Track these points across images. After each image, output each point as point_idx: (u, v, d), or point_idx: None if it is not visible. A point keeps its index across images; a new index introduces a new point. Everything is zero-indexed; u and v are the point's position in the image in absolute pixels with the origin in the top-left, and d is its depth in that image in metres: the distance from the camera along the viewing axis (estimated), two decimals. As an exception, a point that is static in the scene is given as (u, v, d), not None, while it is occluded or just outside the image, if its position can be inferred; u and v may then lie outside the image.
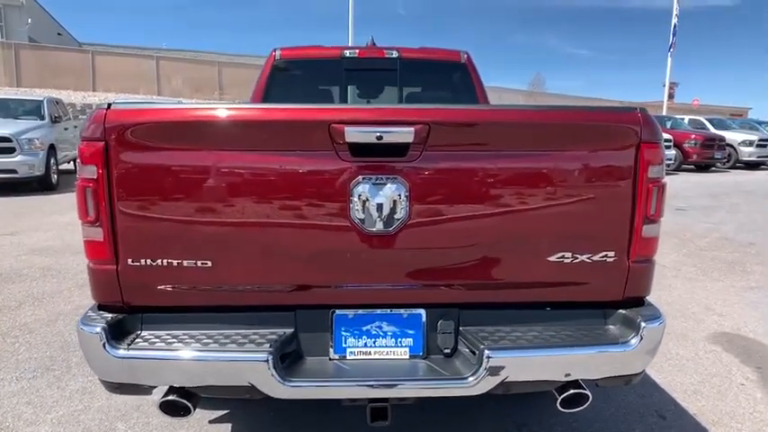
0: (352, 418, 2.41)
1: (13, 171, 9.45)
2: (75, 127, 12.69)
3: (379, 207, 1.57)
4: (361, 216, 1.58)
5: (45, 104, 11.21)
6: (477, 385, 1.60)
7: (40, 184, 9.90)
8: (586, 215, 1.65)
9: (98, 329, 1.60)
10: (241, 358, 1.57)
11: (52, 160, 10.31)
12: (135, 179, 1.58)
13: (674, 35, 21.60)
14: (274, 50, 3.70)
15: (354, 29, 19.33)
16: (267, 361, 1.55)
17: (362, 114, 1.57)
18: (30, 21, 25.47)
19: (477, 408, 2.62)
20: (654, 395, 2.79)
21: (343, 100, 3.76)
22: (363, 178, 1.56)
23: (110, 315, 1.66)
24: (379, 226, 1.58)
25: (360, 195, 1.56)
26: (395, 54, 3.63)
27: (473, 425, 2.50)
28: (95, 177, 1.57)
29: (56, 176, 10.42)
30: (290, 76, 3.67)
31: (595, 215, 1.66)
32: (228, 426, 2.50)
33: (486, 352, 1.59)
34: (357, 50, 3.67)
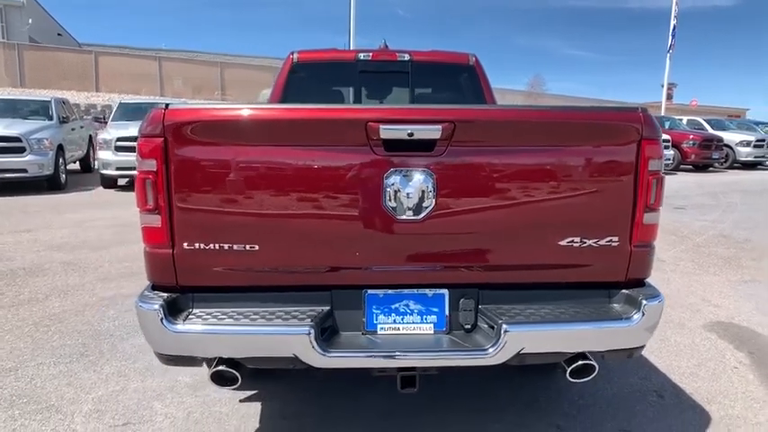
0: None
1: (23, 170, 9.62)
2: (82, 127, 12.88)
3: (409, 196, 1.76)
4: (393, 205, 1.77)
5: (53, 105, 11.39)
6: (495, 356, 1.79)
7: (48, 184, 10.07)
8: (593, 204, 1.85)
9: (156, 306, 1.79)
10: (286, 332, 1.75)
11: (60, 160, 10.48)
12: (190, 171, 1.76)
13: (672, 36, 21.85)
14: (292, 53, 3.89)
15: (356, 30, 19.52)
16: (309, 334, 1.74)
17: (396, 114, 1.76)
18: (30, 21, 25.62)
19: (490, 386, 2.81)
20: (653, 377, 2.98)
21: (358, 101, 3.95)
22: (395, 171, 1.75)
23: (165, 294, 1.85)
24: (409, 214, 1.78)
25: (392, 186, 1.75)
26: (407, 57, 3.83)
27: (487, 401, 2.68)
28: (155, 170, 1.75)
29: (64, 176, 10.59)
30: (306, 78, 3.85)
31: (601, 204, 1.85)
32: (258, 404, 2.68)
33: (504, 326, 1.78)
34: (371, 53, 3.85)
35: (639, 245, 1.90)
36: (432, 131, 1.72)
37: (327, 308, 1.88)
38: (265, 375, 2.80)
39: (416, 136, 1.71)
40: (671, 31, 22.08)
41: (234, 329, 1.77)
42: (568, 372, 1.90)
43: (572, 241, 1.85)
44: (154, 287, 1.92)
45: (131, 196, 8.20)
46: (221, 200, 1.78)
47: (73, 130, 11.98)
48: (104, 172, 10.35)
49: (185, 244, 1.80)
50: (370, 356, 1.82)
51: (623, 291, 1.95)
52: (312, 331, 1.75)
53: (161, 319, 1.77)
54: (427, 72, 3.89)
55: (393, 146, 1.74)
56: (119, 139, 10.25)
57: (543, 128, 1.82)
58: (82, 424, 2.50)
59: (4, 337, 3.44)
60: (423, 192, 1.76)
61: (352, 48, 19.72)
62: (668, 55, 22.35)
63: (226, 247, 1.80)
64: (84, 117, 15.11)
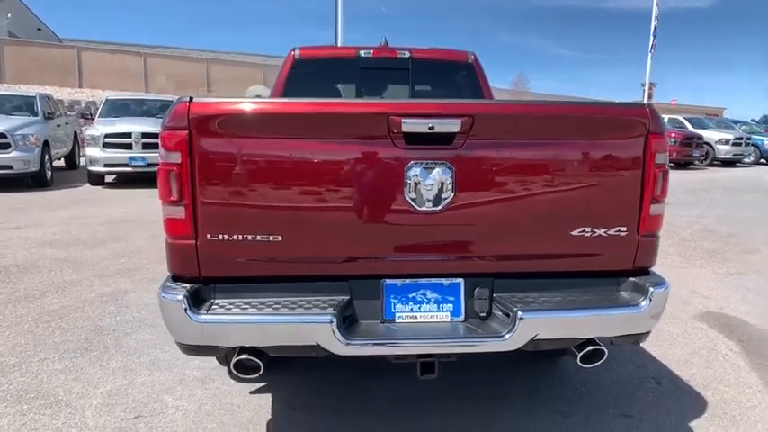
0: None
1: (9, 167, 9.45)
2: (67, 124, 12.68)
3: (429, 188, 1.81)
4: (413, 196, 1.82)
5: (38, 100, 11.20)
6: (511, 342, 1.85)
7: (34, 181, 9.89)
8: (603, 195, 1.93)
9: (180, 297, 1.81)
10: (310, 320, 1.80)
11: (46, 157, 10.32)
12: (214, 163, 1.79)
13: (654, 37, 22.28)
14: (293, 50, 3.91)
15: (344, 26, 19.50)
16: (332, 322, 1.79)
17: (417, 107, 1.81)
18: (9, 15, 25.05)
19: (494, 376, 2.89)
20: (650, 365, 3.09)
21: (359, 97, 3.99)
22: (415, 163, 1.80)
23: (188, 285, 1.87)
24: (428, 205, 1.83)
25: (412, 178, 1.81)
26: (407, 54, 3.88)
27: (494, 390, 2.75)
28: (179, 162, 1.78)
29: (50, 173, 10.42)
30: (308, 74, 3.88)
31: (611, 195, 1.93)
32: (268, 396, 2.72)
33: (520, 313, 1.85)
34: (371, 50, 3.89)
35: (646, 234, 1.98)
36: (451, 125, 1.77)
37: (347, 297, 1.93)
38: (272, 368, 2.83)
39: (437, 129, 1.77)
40: (652, 31, 22.50)
41: (258, 318, 1.80)
42: (579, 357, 1.97)
43: (583, 231, 1.93)
44: (175, 278, 1.95)
45: (121, 193, 8.29)
46: (244, 191, 1.81)
47: (58, 126, 11.79)
48: (92, 169, 10.21)
49: (208, 235, 1.83)
50: (391, 344, 1.87)
51: (631, 279, 2.04)
52: (334, 320, 1.79)
53: (185, 310, 1.80)
54: (427, 69, 3.94)
55: (413, 139, 1.79)
56: (107, 136, 10.15)
57: (556, 122, 1.90)
58: (93, 417, 2.51)
59: (5, 333, 3.42)
60: (442, 184, 1.81)
61: (339, 44, 19.70)
62: (650, 55, 22.79)
63: (249, 237, 1.83)
64: (69, 113, 14.88)
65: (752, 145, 19.38)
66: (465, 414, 2.54)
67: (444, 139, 1.80)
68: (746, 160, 19.22)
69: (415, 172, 1.81)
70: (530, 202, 1.90)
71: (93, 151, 10.16)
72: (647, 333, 2.04)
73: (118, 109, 11.83)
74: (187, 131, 1.76)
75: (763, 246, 6.16)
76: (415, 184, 1.81)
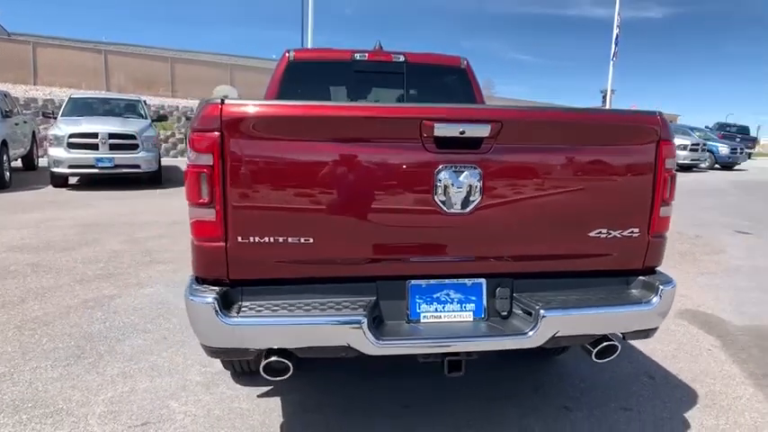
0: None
1: (-36, 168, 8.99)
2: (25, 122, 12.12)
3: (457, 191, 1.86)
4: (443, 199, 1.87)
5: (-5, 98, 10.68)
6: (534, 339, 1.92)
7: (-8, 183, 9.44)
8: (618, 198, 2.03)
9: (210, 300, 1.79)
10: (342, 321, 1.81)
11: (5, 157, 9.85)
12: (245, 165, 1.78)
13: (616, 45, 23.14)
14: (287, 51, 3.90)
15: (306, 27, 19.40)
16: (363, 323, 1.81)
17: (449, 113, 1.86)
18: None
19: (496, 377, 2.96)
20: (641, 361, 3.23)
21: (353, 100, 4.01)
22: (445, 166, 1.85)
23: (216, 287, 1.86)
24: (456, 207, 1.88)
25: (442, 181, 1.85)
26: (401, 58, 3.93)
27: (498, 390, 2.83)
28: (211, 164, 1.76)
29: (8, 174, 9.95)
30: (302, 76, 3.88)
31: (625, 198, 2.03)
32: (277, 399, 2.70)
33: (542, 311, 1.92)
34: (366, 53, 3.93)
35: (656, 235, 2.09)
36: (481, 129, 1.83)
37: (373, 298, 1.95)
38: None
39: (467, 134, 1.82)
40: (614, 39, 23.36)
41: (291, 320, 1.80)
42: (594, 353, 2.06)
43: (599, 232, 2.02)
44: (199, 280, 1.92)
45: (87, 195, 8.05)
46: (276, 193, 1.81)
47: (16, 125, 11.27)
48: (56, 170, 9.81)
49: (239, 237, 1.82)
50: (421, 343, 1.91)
51: (640, 277, 2.14)
52: (365, 320, 1.82)
53: (215, 313, 1.78)
54: (421, 73, 4.01)
55: (444, 143, 1.84)
56: (71, 136, 9.77)
57: (576, 128, 1.98)
58: (99, 426, 2.44)
59: (-13, 342, 3.27)
60: (470, 187, 1.87)
61: (309, 45, 19.58)
62: (612, 62, 23.65)
63: (280, 240, 1.83)
64: (25, 111, 14.20)
65: (707, 151, 20.42)
66: (474, 413, 2.60)
67: (473, 144, 1.86)
68: (702, 165, 20.24)
69: (444, 175, 1.85)
70: (551, 204, 1.98)
71: (56, 152, 9.76)
72: (656, 329, 2.15)
73: (81, 108, 11.40)
74: (219, 133, 1.75)
75: (728, 246, 6.51)
76: (445, 186, 1.85)
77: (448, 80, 4.07)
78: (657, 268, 2.22)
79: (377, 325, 1.90)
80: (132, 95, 14.00)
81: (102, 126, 10.11)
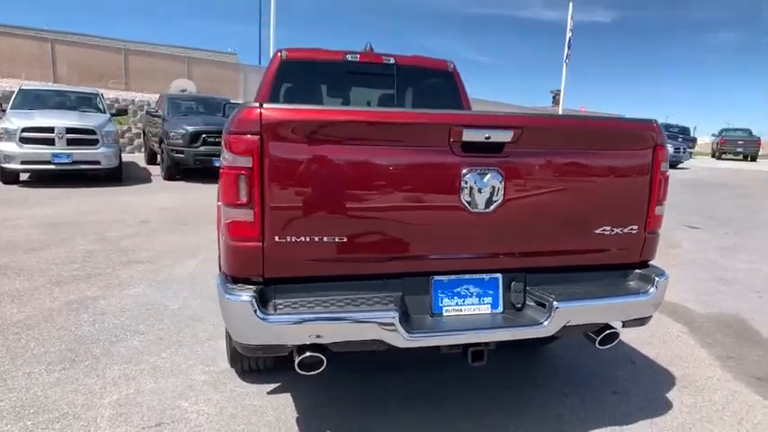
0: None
1: None
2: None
3: (482, 192, 1.98)
4: (468, 199, 1.98)
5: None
6: (548, 328, 2.08)
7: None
8: (620, 197, 2.21)
9: (248, 298, 1.84)
10: (377, 316, 1.90)
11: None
12: (283, 167, 1.84)
13: (569, 47, 24.05)
14: (280, 51, 3.92)
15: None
16: (396, 318, 1.91)
17: (476, 119, 1.97)
18: None
19: (494, 367, 3.12)
20: (622, 348, 3.47)
21: (346, 99, 4.08)
22: (471, 169, 1.97)
23: (252, 286, 1.90)
24: (480, 207, 2.00)
25: (467, 182, 1.97)
26: (391, 60, 4.03)
27: (493, 379, 2.98)
28: (250, 166, 1.81)
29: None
30: (294, 75, 3.91)
31: (626, 197, 2.22)
32: (287, 395, 2.75)
33: (555, 303, 2.07)
34: (358, 55, 4.00)
35: (651, 232, 2.29)
36: (505, 135, 1.96)
37: (399, 293, 2.05)
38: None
39: (492, 139, 1.95)
40: (567, 42, 24.27)
41: (328, 316, 1.87)
42: (598, 340, 2.24)
43: (604, 229, 2.20)
44: (232, 279, 1.96)
45: (43, 193, 7.80)
46: (311, 194, 1.87)
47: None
48: (7, 166, 9.29)
49: (276, 237, 1.87)
50: (448, 335, 2.02)
51: (637, 270, 2.34)
52: (397, 315, 1.91)
53: (254, 311, 1.83)
54: (410, 76, 4.11)
55: (469, 147, 1.95)
56: (24, 130, 9.28)
57: (585, 134, 2.15)
58: (110, 428, 2.41)
59: (-29, 348, 3.13)
60: (493, 188, 1.99)
61: (272, 40, 19.28)
62: (565, 64, 24.56)
63: (316, 239, 1.89)
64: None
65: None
66: (477, 404, 2.74)
67: (496, 148, 1.99)
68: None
69: (470, 177, 1.97)
70: (562, 203, 2.13)
71: (7, 146, 9.25)
72: (651, 316, 2.35)
73: (33, 100, 10.84)
74: (259, 136, 1.80)
75: (683, 241, 7.00)
76: (470, 188, 1.97)
77: (436, 82, 4.19)
78: (650, 262, 2.43)
79: (405, 319, 2.00)
80: (89, 88, 13.38)
81: (59, 120, 9.65)
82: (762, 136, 29.01)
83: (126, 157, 13.77)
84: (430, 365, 3.08)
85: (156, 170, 12.55)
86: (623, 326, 2.34)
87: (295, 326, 1.86)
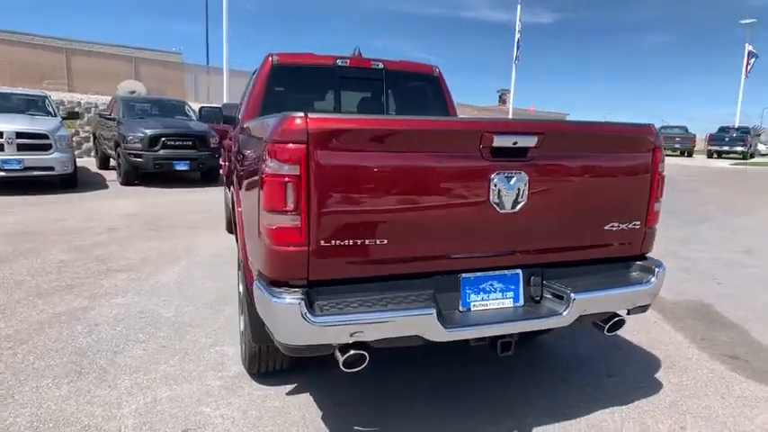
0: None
1: None
2: None
3: (509, 193, 2.14)
4: (497, 200, 2.13)
5: None
6: (567, 318, 2.25)
7: None
8: (626, 196, 2.42)
9: (296, 301, 1.91)
10: (418, 313, 2.01)
11: None
12: (328, 174, 1.92)
13: (517, 48, 24.98)
14: (270, 56, 3.95)
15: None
16: (434, 314, 2.03)
17: (506, 126, 2.12)
18: None
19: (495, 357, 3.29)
20: (607, 336, 3.71)
21: (337, 104, 4.15)
22: (499, 173, 2.12)
23: (297, 288, 1.97)
24: (507, 207, 2.16)
25: (496, 185, 2.12)
26: (380, 65, 4.15)
27: (493, 367, 3.16)
28: (298, 174, 1.88)
29: None
30: (286, 80, 3.96)
31: (631, 195, 2.43)
32: (306, 395, 2.81)
33: (572, 295, 2.26)
34: (348, 60, 4.09)
35: (650, 227, 2.53)
36: (530, 140, 2.12)
37: (431, 291, 2.17)
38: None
39: (519, 144, 2.10)
40: (516, 43, 25.20)
41: (373, 315, 1.97)
42: (606, 328, 2.45)
43: (612, 225, 2.41)
44: (273, 283, 2.01)
45: None
46: (354, 199, 1.96)
47: None
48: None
49: (322, 241, 1.94)
50: (481, 328, 2.16)
51: (638, 262, 2.57)
52: (435, 311, 2.03)
53: (304, 313, 1.90)
54: (399, 80, 4.25)
55: (497, 152, 2.10)
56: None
57: (596, 139, 2.35)
58: (137, 437, 2.40)
59: (-36, 366, 3.00)
60: (519, 189, 2.15)
61: (225, 40, 18.92)
62: (514, 65, 25.48)
63: (359, 242, 1.98)
64: None
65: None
66: (486, 393, 2.90)
67: (520, 153, 2.14)
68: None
69: (498, 180, 2.12)
70: (577, 202, 2.32)
71: (-51, 152, 8.69)
72: (650, 304, 2.59)
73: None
74: (305, 145, 1.87)
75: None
76: (499, 190, 2.12)
77: (422, 87, 4.34)
78: (648, 255, 2.67)
79: (439, 315, 2.12)
80: (36, 90, 12.68)
81: (7, 124, 9.13)
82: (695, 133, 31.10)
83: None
84: (434, 363, 3.21)
85: (109, 175, 12.10)
86: (628, 313, 2.56)
87: (342, 325, 1.95)
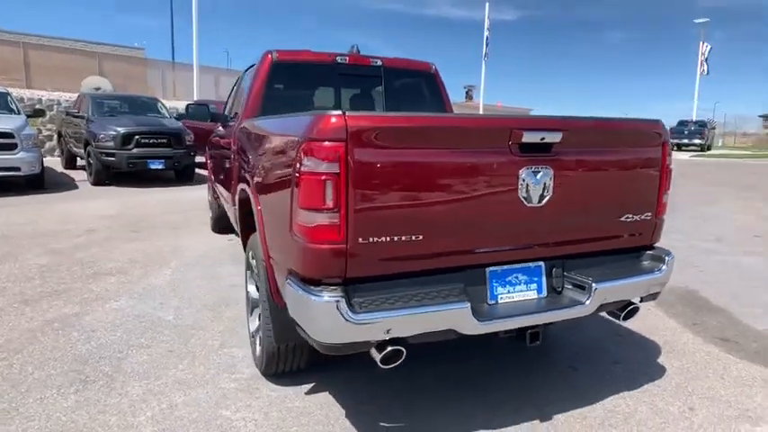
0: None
1: None
2: None
3: (536, 187, 2.18)
4: (525, 195, 2.17)
5: None
6: (589, 307, 2.32)
7: None
8: (640, 188, 2.51)
9: (337, 298, 1.89)
10: (453, 307, 2.03)
11: None
12: (367, 172, 1.91)
13: (486, 45, 25.32)
14: (270, 53, 3.89)
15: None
16: (469, 308, 2.05)
17: (535, 123, 2.17)
18: None
19: (499, 346, 3.35)
20: (605, 324, 3.84)
21: (338, 101, 4.12)
22: (527, 167, 2.15)
23: (336, 286, 1.95)
24: (534, 201, 2.19)
25: (524, 180, 2.15)
26: (378, 63, 4.14)
27: (503, 352, 3.22)
28: (337, 171, 1.86)
29: None
30: (287, 77, 3.91)
31: (644, 188, 2.52)
32: (326, 394, 2.79)
33: (594, 284, 2.32)
34: (347, 57, 4.07)
35: (660, 218, 2.62)
36: (556, 136, 2.16)
37: (462, 285, 2.19)
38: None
39: (546, 140, 2.14)
40: (485, 40, 25.53)
41: (411, 310, 1.97)
42: (622, 315, 2.53)
43: (627, 217, 2.48)
44: (307, 281, 1.99)
45: None
46: (391, 196, 1.96)
47: None
48: None
49: (360, 239, 1.93)
50: (513, 320, 2.19)
51: (648, 252, 2.66)
52: (469, 305, 2.06)
53: (344, 311, 1.89)
54: (397, 77, 4.25)
55: (525, 148, 2.14)
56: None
57: (614, 134, 2.42)
58: (159, 444, 2.34)
59: (-42, 379, 2.85)
60: (545, 184, 2.19)
61: (194, 34, 18.48)
62: (484, 61, 25.81)
63: (395, 239, 1.98)
64: None
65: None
66: (504, 384, 2.96)
67: (546, 148, 2.18)
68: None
69: (526, 174, 2.15)
70: (597, 195, 2.39)
71: None
72: (660, 292, 2.68)
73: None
74: (344, 142, 1.85)
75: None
76: (527, 184, 2.16)
77: (420, 83, 4.36)
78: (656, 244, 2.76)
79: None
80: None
81: (-31, 123, 8.70)
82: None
83: (42, 162, 12.64)
84: (443, 359, 3.24)
85: (77, 175, 11.68)
86: (641, 301, 2.65)
87: (381, 321, 1.94)
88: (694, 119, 32.81)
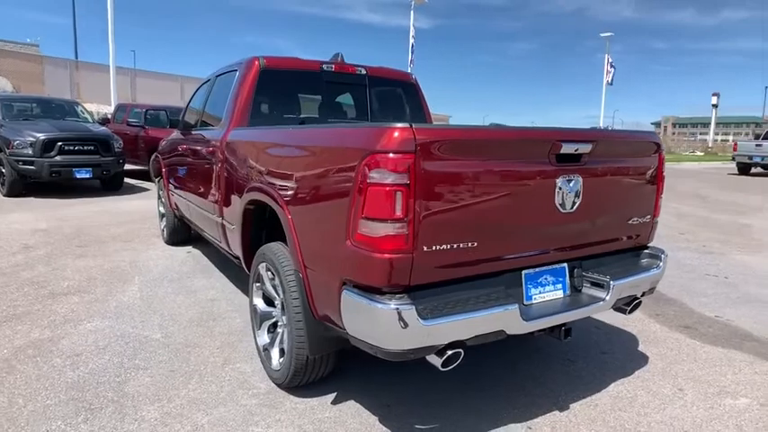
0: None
1: None
2: None
3: (569, 195, 2.36)
4: (561, 202, 2.35)
5: None
6: (608, 303, 2.54)
7: None
8: (644, 192, 2.79)
9: (406, 306, 1.94)
10: (505, 309, 2.14)
11: None
12: (433, 182, 1.98)
13: (412, 52, 26.04)
14: (257, 59, 3.81)
15: (114, 18, 17.26)
16: (517, 309, 2.18)
17: (572, 135, 2.34)
18: None
19: (505, 343, 3.53)
20: (588, 320, 4.16)
21: (324, 107, 4.13)
22: (563, 176, 2.33)
23: (402, 294, 2.00)
24: (568, 207, 2.38)
25: (561, 188, 2.33)
26: (363, 71, 4.21)
27: (503, 350, 3.40)
28: (407, 182, 1.91)
29: None
30: (274, 84, 3.85)
31: (647, 192, 2.81)
32: (351, 402, 2.80)
33: (611, 282, 2.55)
34: (333, 65, 4.09)
35: (655, 219, 2.92)
36: (587, 147, 2.36)
37: (503, 287, 2.32)
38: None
39: (579, 150, 2.33)
40: (410, 48, 26.24)
41: (472, 314, 2.06)
42: (629, 309, 2.79)
43: (634, 219, 2.75)
44: (367, 289, 2.02)
45: None
46: (453, 205, 2.04)
47: None
48: None
49: (425, 247, 2.00)
50: (552, 318, 2.35)
51: (646, 250, 2.95)
52: (518, 307, 2.19)
53: (414, 318, 1.94)
54: (380, 85, 4.34)
55: (561, 158, 2.32)
56: None
57: (628, 144, 2.70)
58: (199, 469, 2.24)
59: (-64, 419, 2.53)
60: (576, 191, 2.39)
61: (110, 34, 17.41)
62: (410, 68, 26.50)
63: (455, 246, 2.07)
64: None
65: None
66: (520, 377, 3.13)
67: (576, 158, 2.38)
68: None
69: (561, 183, 2.33)
70: (613, 200, 2.63)
71: None
72: (655, 287, 2.99)
73: None
74: (413, 154, 1.91)
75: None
76: (563, 192, 2.34)
77: (401, 92, 4.47)
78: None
79: None
80: None
81: None
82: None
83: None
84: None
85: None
86: (642, 295, 2.93)
87: (445, 326, 2.02)
88: (601, 125, 35.85)
